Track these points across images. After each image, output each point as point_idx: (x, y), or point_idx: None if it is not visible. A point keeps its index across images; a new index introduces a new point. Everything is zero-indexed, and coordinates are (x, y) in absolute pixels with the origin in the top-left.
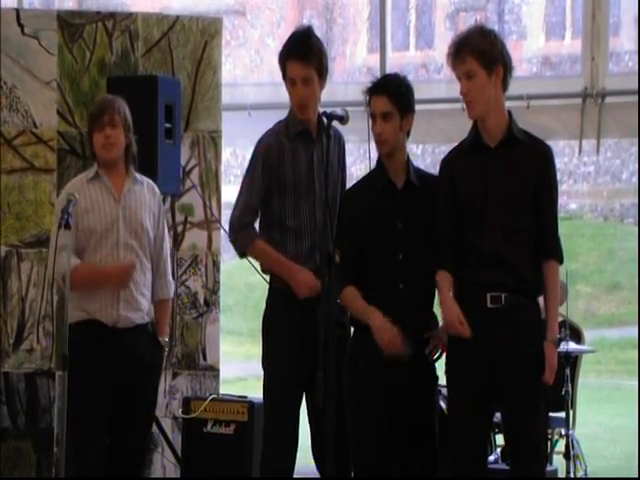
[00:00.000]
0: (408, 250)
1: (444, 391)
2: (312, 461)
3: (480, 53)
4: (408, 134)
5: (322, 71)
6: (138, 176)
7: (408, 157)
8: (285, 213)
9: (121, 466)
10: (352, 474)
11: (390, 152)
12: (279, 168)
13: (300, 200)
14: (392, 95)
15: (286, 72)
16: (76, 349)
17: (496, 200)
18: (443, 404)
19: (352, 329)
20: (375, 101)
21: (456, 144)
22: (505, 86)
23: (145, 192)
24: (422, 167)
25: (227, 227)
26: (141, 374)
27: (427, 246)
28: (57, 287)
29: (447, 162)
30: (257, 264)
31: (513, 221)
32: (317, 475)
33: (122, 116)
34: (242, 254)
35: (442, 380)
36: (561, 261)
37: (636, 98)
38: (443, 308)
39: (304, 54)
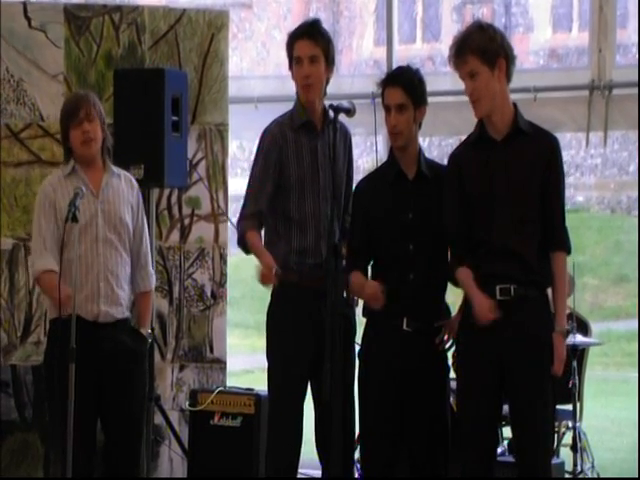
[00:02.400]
0: (419, 241)
1: (453, 384)
2: (315, 454)
3: (481, 51)
4: (420, 126)
5: (329, 56)
6: (115, 169)
7: (420, 148)
8: (289, 205)
9: (116, 462)
10: (355, 468)
11: (404, 145)
12: (283, 159)
13: (304, 192)
14: (407, 87)
15: (293, 54)
16: (57, 345)
17: (503, 193)
18: (452, 398)
19: (365, 321)
20: (390, 93)
21: (462, 136)
22: (509, 78)
23: (123, 185)
24: None
25: (235, 220)
26: (125, 364)
27: (438, 237)
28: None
29: (454, 157)
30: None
31: (521, 213)
32: (320, 467)
33: (97, 109)
34: (244, 248)
35: (451, 373)
36: (569, 252)
37: None
38: (474, 302)
39: (312, 34)
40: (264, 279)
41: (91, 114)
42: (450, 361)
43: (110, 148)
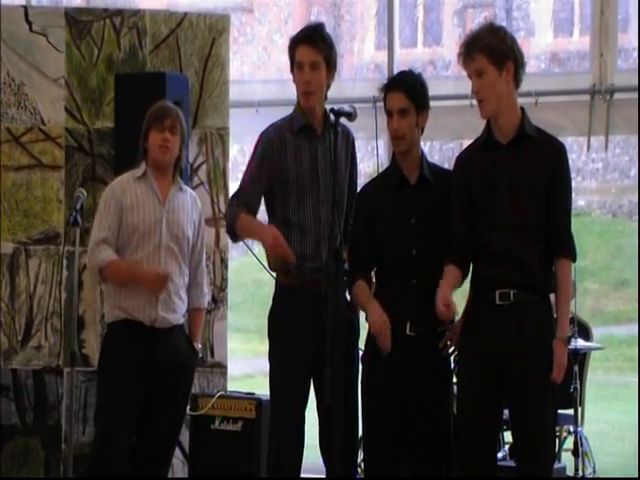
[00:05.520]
0: (421, 245)
1: (454, 389)
2: (319, 459)
3: (489, 50)
4: (422, 131)
5: (330, 62)
6: (183, 186)
7: (423, 153)
8: (288, 208)
9: (145, 465)
10: (359, 470)
11: (406, 149)
12: (281, 161)
13: (304, 195)
14: (409, 91)
15: (294, 59)
16: (113, 348)
17: (506, 197)
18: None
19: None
20: (392, 97)
21: (463, 140)
22: (517, 83)
23: (188, 201)
24: None
25: None
26: (175, 375)
27: (440, 241)
28: (66, 283)
29: (461, 160)
30: (265, 261)
31: (523, 218)
32: (324, 471)
33: (182, 127)
34: (232, 235)
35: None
36: (574, 259)
37: None
38: (436, 296)
39: (314, 40)
40: (276, 249)
41: (175, 128)
42: (453, 365)
43: (182, 168)
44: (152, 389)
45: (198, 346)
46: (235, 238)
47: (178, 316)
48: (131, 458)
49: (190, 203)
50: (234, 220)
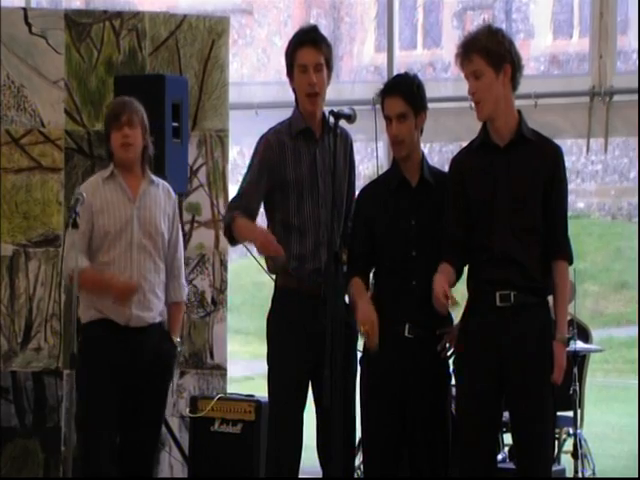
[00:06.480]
0: (421, 247)
1: (453, 391)
2: (316, 461)
3: (487, 52)
4: (421, 131)
5: (330, 64)
6: (154, 178)
7: (423, 155)
8: (288, 211)
9: (131, 464)
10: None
11: (407, 154)
12: (280, 166)
13: (303, 198)
14: (406, 95)
15: (295, 61)
16: (89, 348)
17: (505, 200)
18: (452, 404)
19: None
20: (389, 103)
21: (463, 143)
22: (515, 85)
23: (160, 194)
24: None
25: None
26: (153, 372)
27: (440, 243)
28: (65, 285)
29: (457, 162)
30: (264, 263)
31: (522, 221)
32: (321, 474)
33: (140, 117)
34: (230, 238)
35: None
36: (571, 262)
37: None
38: (433, 286)
39: (316, 41)
40: (265, 246)
41: (133, 120)
42: (451, 368)
43: (151, 158)
44: (130, 389)
45: (177, 339)
46: (233, 241)
47: (154, 314)
48: (118, 458)
49: (163, 196)
50: (230, 223)
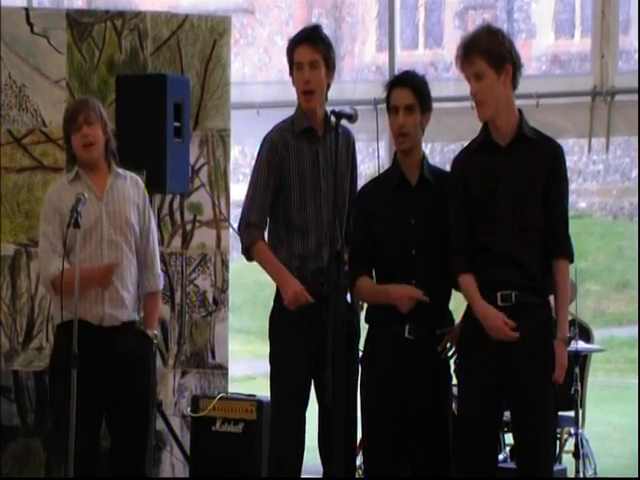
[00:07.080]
0: (421, 246)
1: (454, 390)
2: (318, 461)
3: (488, 53)
4: (423, 132)
5: (329, 62)
6: (121, 171)
7: (424, 154)
8: (291, 210)
9: (122, 467)
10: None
11: (409, 148)
12: (283, 165)
13: (306, 197)
14: (415, 88)
15: (293, 60)
16: (62, 349)
17: (506, 199)
18: (454, 404)
19: (367, 327)
20: (398, 93)
21: (465, 142)
22: (515, 85)
23: (129, 186)
24: None
25: (236, 226)
26: (130, 368)
27: (440, 242)
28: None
29: (458, 161)
30: None
31: (523, 220)
32: (322, 473)
33: (97, 113)
34: (247, 256)
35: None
36: (571, 260)
37: None
38: (479, 314)
39: (312, 39)
40: (295, 301)
41: (90, 118)
42: (452, 368)
43: (115, 150)
44: (107, 390)
45: (153, 332)
46: (250, 259)
47: (129, 311)
48: (109, 463)
49: (131, 188)
50: (251, 245)
